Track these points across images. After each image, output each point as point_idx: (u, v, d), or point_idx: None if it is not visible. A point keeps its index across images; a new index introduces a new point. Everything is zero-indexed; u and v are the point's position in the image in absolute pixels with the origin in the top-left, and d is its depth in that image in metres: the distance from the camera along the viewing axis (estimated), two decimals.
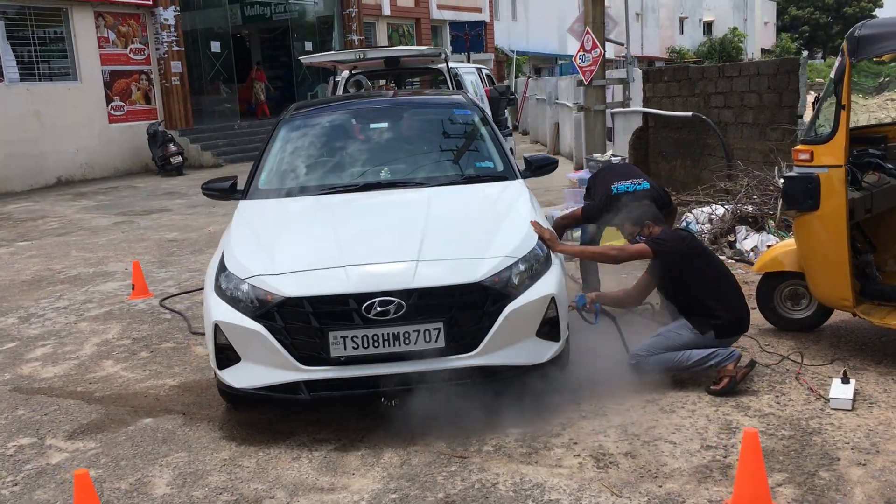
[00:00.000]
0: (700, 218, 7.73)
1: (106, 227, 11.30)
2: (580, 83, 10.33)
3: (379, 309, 3.80)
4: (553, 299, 4.07)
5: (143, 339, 5.94)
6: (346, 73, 10.32)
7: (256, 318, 3.90)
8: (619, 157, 9.26)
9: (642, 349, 4.44)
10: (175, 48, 19.22)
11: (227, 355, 4.03)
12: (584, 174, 9.25)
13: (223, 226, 10.25)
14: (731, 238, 7.39)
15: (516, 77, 30.47)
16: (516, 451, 3.80)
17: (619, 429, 3.97)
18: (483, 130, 5.53)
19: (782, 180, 7.16)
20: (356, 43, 24.53)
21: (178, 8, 19.28)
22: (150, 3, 18.65)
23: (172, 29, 19.08)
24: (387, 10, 27.81)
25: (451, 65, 10.20)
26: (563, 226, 5.64)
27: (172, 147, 17.65)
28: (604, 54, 9.75)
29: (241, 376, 4.01)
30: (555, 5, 40.91)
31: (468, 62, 23.38)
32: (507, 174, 5.15)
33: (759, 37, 61.74)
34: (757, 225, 7.40)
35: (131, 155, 18.50)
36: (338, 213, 4.66)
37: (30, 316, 6.78)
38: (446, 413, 3.96)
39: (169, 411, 4.56)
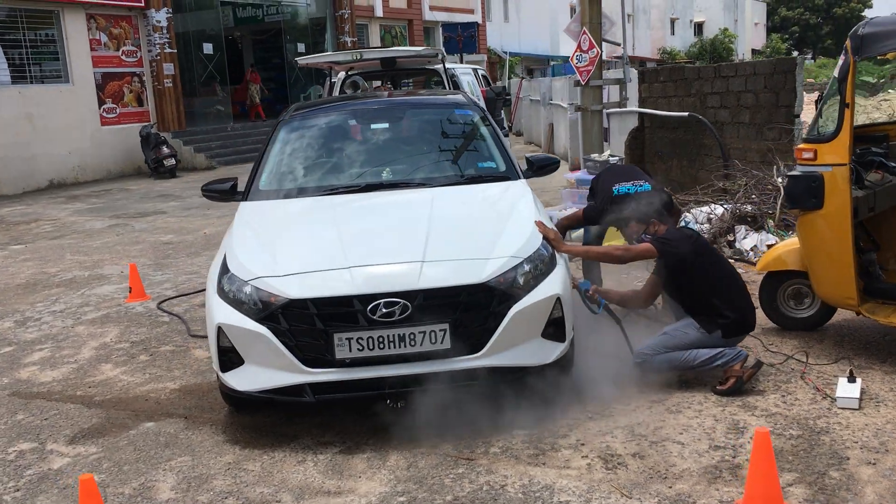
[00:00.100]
0: (699, 218, 7.72)
1: (100, 230, 11.22)
2: (577, 83, 10.34)
3: (384, 310, 3.77)
4: (559, 299, 4.03)
5: (142, 343, 5.89)
6: (342, 75, 10.29)
7: (260, 321, 3.86)
8: (617, 157, 9.27)
9: (648, 348, 4.40)
10: (167, 50, 19.13)
11: (230, 358, 3.98)
12: (582, 174, 9.27)
13: (219, 228, 10.27)
14: (730, 238, 7.38)
15: (509, 78, 30.48)
16: (523, 453, 3.77)
17: (626, 429, 3.95)
18: (484, 130, 5.50)
19: (781, 179, 7.19)
20: (349, 44, 24.50)
21: (171, 10, 19.19)
22: (142, 4, 18.55)
23: (164, 31, 18.99)
24: (379, 12, 27.77)
25: (447, 65, 10.17)
26: (564, 226, 5.61)
27: (165, 149, 17.56)
28: (601, 54, 9.75)
29: (245, 379, 3.96)
30: (546, 7, 40.99)
31: (461, 63, 23.36)
32: (509, 174, 5.12)
33: (750, 37, 62.02)
34: (756, 224, 7.41)
35: (124, 157, 18.41)
36: (340, 213, 4.62)
37: (26, 320, 6.72)
38: (452, 415, 3.93)
39: (171, 415, 4.51)
